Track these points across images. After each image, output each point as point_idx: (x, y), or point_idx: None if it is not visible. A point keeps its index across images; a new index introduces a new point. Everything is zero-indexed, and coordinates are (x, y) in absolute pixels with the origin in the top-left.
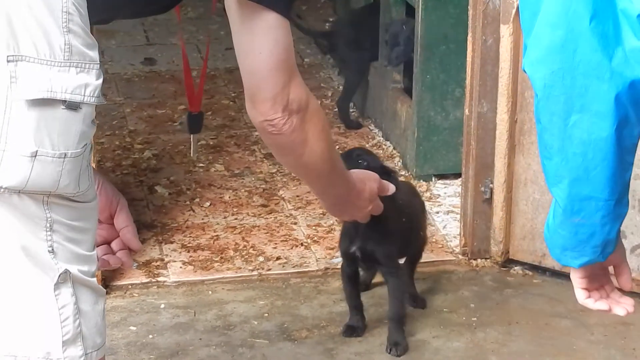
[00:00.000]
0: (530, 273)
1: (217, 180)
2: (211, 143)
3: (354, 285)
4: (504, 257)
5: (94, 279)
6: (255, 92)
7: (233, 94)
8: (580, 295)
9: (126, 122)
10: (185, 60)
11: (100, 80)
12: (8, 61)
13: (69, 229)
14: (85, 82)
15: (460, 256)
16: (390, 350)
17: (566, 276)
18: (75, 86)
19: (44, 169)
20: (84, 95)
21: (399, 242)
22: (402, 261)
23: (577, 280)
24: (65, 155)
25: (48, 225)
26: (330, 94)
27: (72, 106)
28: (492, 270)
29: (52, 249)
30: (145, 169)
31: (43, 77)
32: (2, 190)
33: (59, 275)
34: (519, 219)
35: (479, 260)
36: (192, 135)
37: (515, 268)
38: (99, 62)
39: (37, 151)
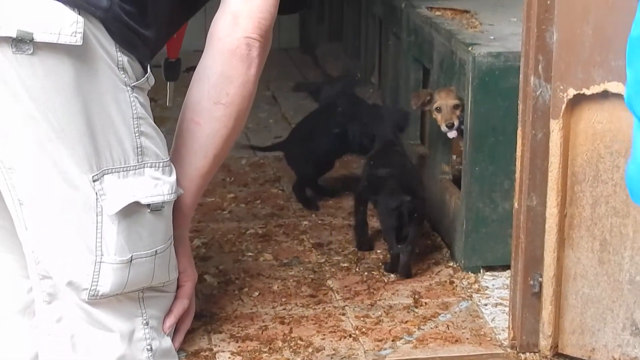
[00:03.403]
0: None
1: (265, 269)
2: (260, 232)
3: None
4: (553, 351)
5: None
6: (247, 9)
7: (281, 183)
8: None
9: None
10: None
11: (174, 177)
12: (94, 181)
13: (161, 321)
14: (162, 182)
15: (508, 349)
16: None
17: None
18: (154, 188)
19: (140, 269)
20: (164, 195)
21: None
22: None
23: None
24: (155, 252)
25: (144, 321)
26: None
27: (157, 207)
28: None
29: (150, 348)
30: (195, 257)
31: (124, 185)
32: (101, 297)
33: None
34: (568, 313)
35: (527, 354)
36: (168, 82)
37: None
38: (168, 159)
39: (132, 257)
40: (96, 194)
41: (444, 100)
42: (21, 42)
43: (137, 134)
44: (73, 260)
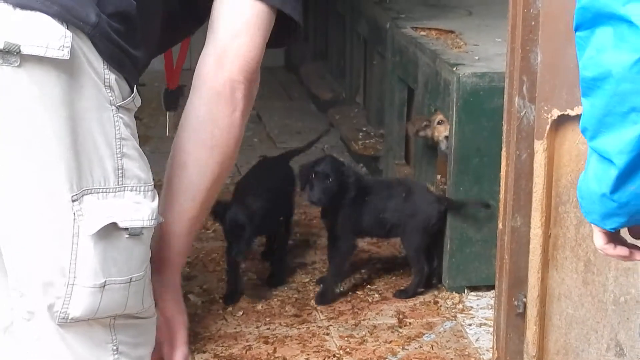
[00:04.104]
0: None
1: (249, 289)
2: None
3: None
4: None
5: None
6: (233, 48)
7: None
8: (599, 241)
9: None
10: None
11: (156, 202)
12: (73, 201)
13: (133, 347)
14: (142, 207)
15: None
16: None
17: None
18: (133, 212)
19: (113, 296)
20: (144, 220)
21: None
22: None
23: (599, 232)
24: (130, 279)
25: (114, 347)
26: None
27: (135, 232)
28: None
29: None
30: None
31: (102, 206)
32: (71, 321)
33: None
34: (552, 333)
35: None
36: (168, 112)
37: None
38: (152, 184)
39: (105, 282)
40: (74, 214)
41: (439, 133)
42: (8, 53)
43: (119, 155)
44: (45, 280)
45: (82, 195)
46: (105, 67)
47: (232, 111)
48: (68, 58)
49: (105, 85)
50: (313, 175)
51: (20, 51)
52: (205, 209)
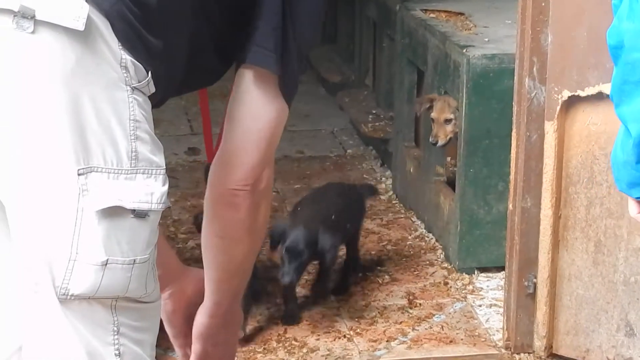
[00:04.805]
0: None
1: (260, 271)
2: None
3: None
4: (547, 352)
5: None
6: (238, 157)
7: (275, 185)
8: (632, 209)
9: (170, 211)
10: (205, 110)
11: (166, 187)
12: (79, 174)
13: (134, 330)
14: (152, 190)
15: (503, 350)
16: None
17: None
18: (143, 194)
19: (114, 276)
20: (152, 203)
21: None
22: None
23: (632, 200)
24: (134, 261)
25: (115, 328)
26: (373, 184)
27: (141, 214)
28: None
29: (119, 352)
30: (189, 258)
31: (111, 187)
32: (72, 297)
33: None
34: (562, 314)
35: (522, 354)
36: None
37: None
38: (164, 167)
39: (107, 260)
40: (79, 188)
41: (437, 114)
42: (23, 18)
43: (132, 138)
44: (48, 253)
45: (90, 172)
46: (121, 47)
47: (235, 212)
48: (82, 29)
49: (121, 65)
50: (284, 251)
51: (34, 16)
52: (231, 278)
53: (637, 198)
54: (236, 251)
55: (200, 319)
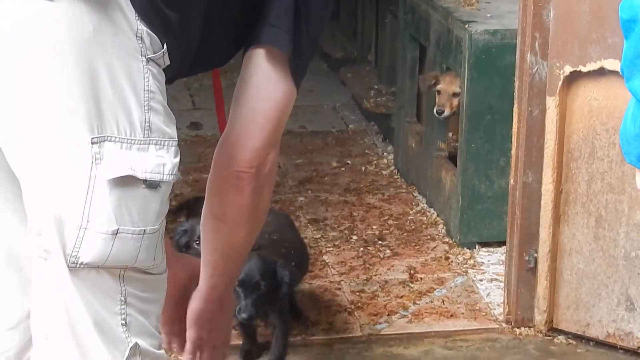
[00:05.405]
0: (574, 342)
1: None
2: None
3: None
4: (547, 326)
5: (162, 352)
6: (243, 138)
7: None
8: None
9: (173, 186)
10: (218, 87)
11: (178, 158)
12: (92, 143)
13: (141, 301)
14: (164, 161)
15: (503, 324)
16: None
17: (610, 346)
18: (155, 165)
19: (124, 245)
20: (163, 174)
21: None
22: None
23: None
24: (144, 231)
25: (122, 298)
26: (374, 160)
27: (152, 185)
28: (536, 339)
29: (125, 322)
30: None
31: (124, 156)
32: (82, 266)
33: (129, 349)
34: (563, 288)
35: (522, 328)
36: None
37: (559, 337)
38: (177, 139)
39: (118, 229)
40: (92, 156)
41: (445, 86)
42: None
43: (146, 108)
44: (59, 220)
45: (104, 141)
46: (137, 18)
47: (239, 195)
48: None
49: (137, 36)
50: (238, 285)
51: None
52: (228, 261)
53: None
54: (235, 235)
55: (195, 303)
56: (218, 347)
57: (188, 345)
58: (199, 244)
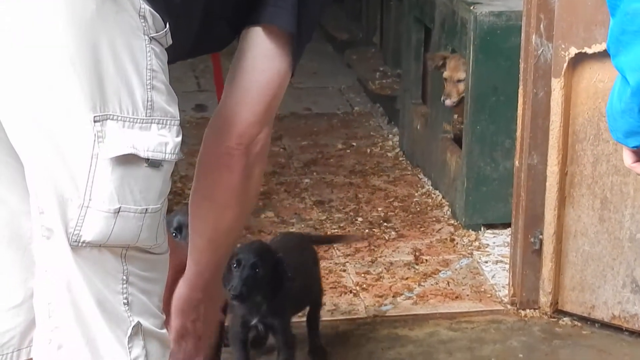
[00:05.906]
0: (579, 324)
1: (267, 227)
2: (261, 190)
3: (245, 348)
4: (552, 307)
5: (164, 331)
6: (236, 111)
7: (282, 142)
8: (627, 159)
9: (177, 167)
10: (217, 67)
11: (180, 137)
12: (95, 121)
13: (143, 280)
14: (166, 140)
15: (509, 306)
16: None
17: (615, 328)
18: (157, 144)
19: (126, 224)
20: (165, 153)
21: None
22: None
23: (627, 150)
24: (146, 210)
25: (124, 277)
26: (380, 142)
27: (155, 164)
28: (541, 320)
29: (127, 301)
30: None
31: (126, 135)
32: (84, 244)
33: (132, 328)
34: (568, 270)
35: (527, 310)
36: None
37: (564, 319)
38: (179, 119)
39: (120, 207)
40: (95, 135)
41: (451, 72)
42: None
43: (149, 87)
44: (61, 198)
45: (106, 119)
46: None
47: (229, 174)
48: None
49: (139, 15)
50: (234, 264)
51: None
52: (216, 248)
53: (634, 147)
54: (224, 218)
55: (180, 291)
56: (203, 338)
57: (172, 334)
58: (175, 236)
